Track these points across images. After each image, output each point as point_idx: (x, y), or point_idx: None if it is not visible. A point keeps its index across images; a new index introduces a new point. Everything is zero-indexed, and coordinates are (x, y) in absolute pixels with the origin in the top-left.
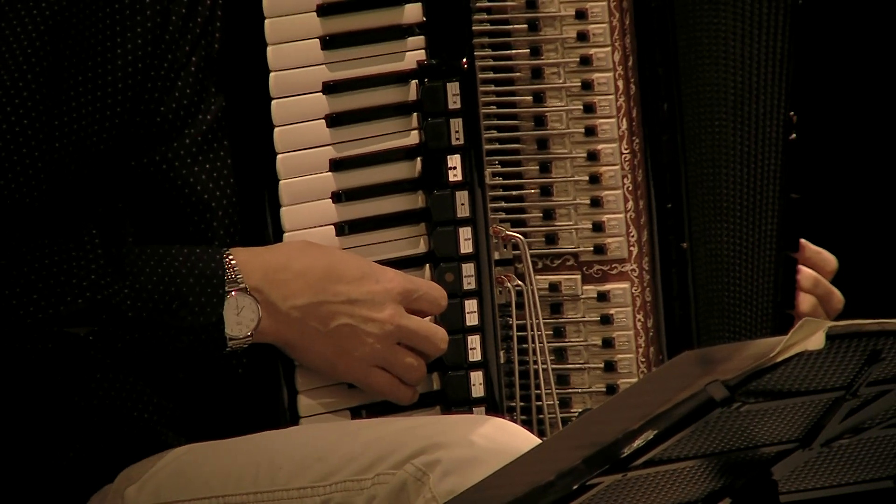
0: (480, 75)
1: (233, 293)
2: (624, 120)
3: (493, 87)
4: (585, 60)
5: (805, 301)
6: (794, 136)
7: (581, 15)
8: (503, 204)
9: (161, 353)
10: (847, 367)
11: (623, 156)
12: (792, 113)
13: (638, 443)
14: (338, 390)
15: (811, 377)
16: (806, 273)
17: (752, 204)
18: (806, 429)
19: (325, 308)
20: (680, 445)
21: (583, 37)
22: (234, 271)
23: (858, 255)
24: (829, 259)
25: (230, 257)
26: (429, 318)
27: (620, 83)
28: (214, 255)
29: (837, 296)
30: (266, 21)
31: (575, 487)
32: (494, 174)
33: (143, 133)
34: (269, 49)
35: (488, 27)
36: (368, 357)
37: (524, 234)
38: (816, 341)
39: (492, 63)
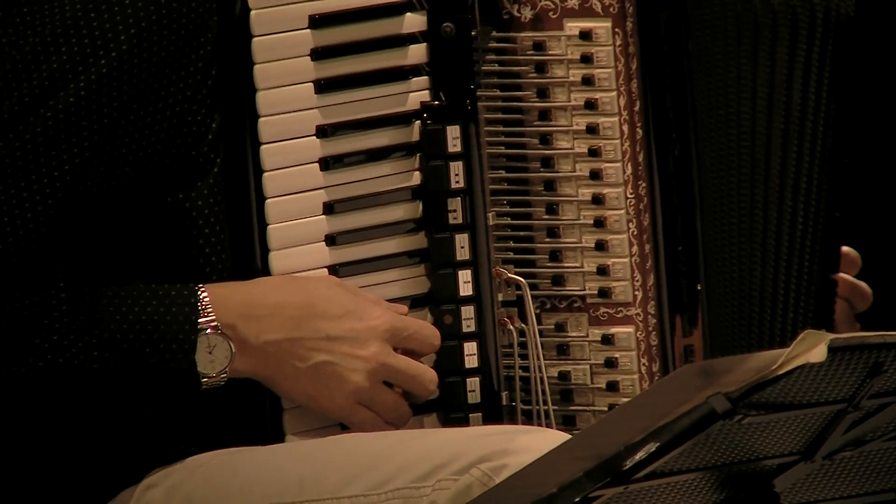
0: (489, 115)
1: (207, 331)
2: (629, 164)
3: (501, 128)
4: (591, 104)
5: (838, 309)
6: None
7: (586, 59)
8: (511, 244)
9: (136, 393)
10: (849, 380)
11: (628, 200)
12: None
13: (640, 455)
14: (327, 433)
15: (813, 389)
16: (841, 280)
17: (777, 239)
18: (808, 441)
19: (302, 344)
20: (682, 458)
21: (588, 81)
22: (206, 309)
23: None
24: (854, 253)
25: (203, 294)
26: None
27: (626, 128)
28: (189, 297)
29: (867, 293)
30: (255, 66)
31: (577, 500)
32: (502, 214)
33: (177, 174)
34: (258, 94)
35: (497, 68)
36: (352, 394)
37: (532, 275)
38: (818, 354)
39: (501, 104)
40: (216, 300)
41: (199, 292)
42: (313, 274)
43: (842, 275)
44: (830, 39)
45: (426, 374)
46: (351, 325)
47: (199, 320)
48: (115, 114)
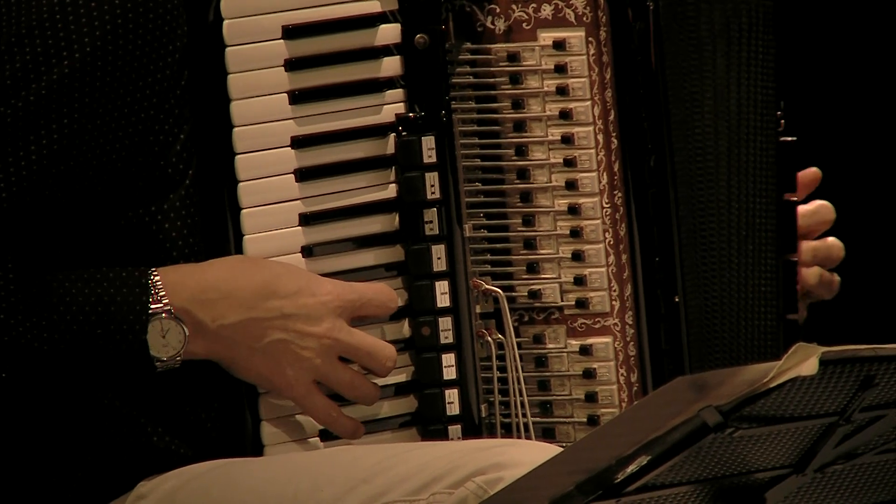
0: (465, 128)
1: (161, 314)
2: (605, 174)
3: (477, 140)
4: (565, 114)
5: (810, 275)
6: (783, 129)
7: (560, 69)
8: (489, 256)
9: (94, 375)
10: (841, 393)
11: (604, 210)
12: (779, 112)
13: (631, 468)
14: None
15: (805, 402)
16: (802, 246)
17: (745, 260)
18: (800, 454)
19: (257, 325)
20: (673, 471)
21: (562, 91)
22: (159, 292)
23: (852, 279)
24: (826, 213)
25: (156, 278)
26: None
27: (601, 137)
28: (140, 278)
29: (835, 248)
30: (229, 76)
31: None
32: (479, 227)
33: (147, 185)
34: (232, 105)
35: (472, 80)
36: (306, 372)
37: (509, 288)
38: (810, 367)
39: (476, 116)
40: (169, 284)
41: (152, 275)
42: None
43: (805, 244)
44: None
45: (383, 351)
46: (304, 301)
47: (151, 303)
48: (76, 114)
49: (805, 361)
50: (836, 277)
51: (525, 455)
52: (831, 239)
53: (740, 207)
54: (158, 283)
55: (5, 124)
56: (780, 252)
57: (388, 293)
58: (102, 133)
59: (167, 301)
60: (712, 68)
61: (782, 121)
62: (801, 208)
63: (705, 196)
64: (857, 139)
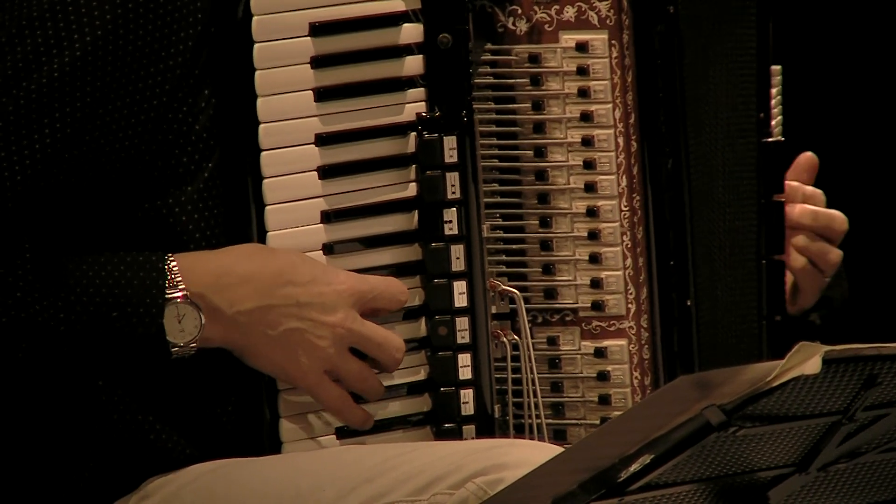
0: (483, 128)
1: (178, 299)
2: (624, 177)
3: (495, 141)
4: (586, 117)
5: (797, 259)
6: (781, 131)
7: (582, 71)
8: (504, 257)
9: (110, 361)
10: (844, 392)
11: (623, 213)
12: (762, 114)
13: (635, 467)
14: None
15: (808, 401)
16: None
17: (736, 260)
18: (803, 453)
19: (273, 312)
20: (677, 470)
21: (584, 93)
22: (175, 278)
23: (855, 278)
24: (838, 223)
25: (173, 263)
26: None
27: (621, 140)
28: (157, 262)
29: (838, 219)
30: (256, 73)
31: None
32: (495, 227)
33: (162, 174)
34: (258, 101)
35: (491, 80)
36: (319, 361)
37: (524, 289)
38: (813, 365)
39: (495, 116)
40: (185, 269)
41: (169, 260)
42: None
43: (804, 208)
44: None
45: (393, 343)
46: (319, 290)
47: (167, 287)
48: (88, 98)
49: (808, 360)
50: (836, 251)
51: (527, 455)
52: (834, 210)
53: (734, 210)
54: (175, 268)
55: (18, 107)
56: (764, 253)
57: (398, 286)
58: (114, 119)
59: (184, 286)
60: (716, 71)
61: (774, 121)
62: (816, 209)
63: (713, 199)
64: (860, 140)
